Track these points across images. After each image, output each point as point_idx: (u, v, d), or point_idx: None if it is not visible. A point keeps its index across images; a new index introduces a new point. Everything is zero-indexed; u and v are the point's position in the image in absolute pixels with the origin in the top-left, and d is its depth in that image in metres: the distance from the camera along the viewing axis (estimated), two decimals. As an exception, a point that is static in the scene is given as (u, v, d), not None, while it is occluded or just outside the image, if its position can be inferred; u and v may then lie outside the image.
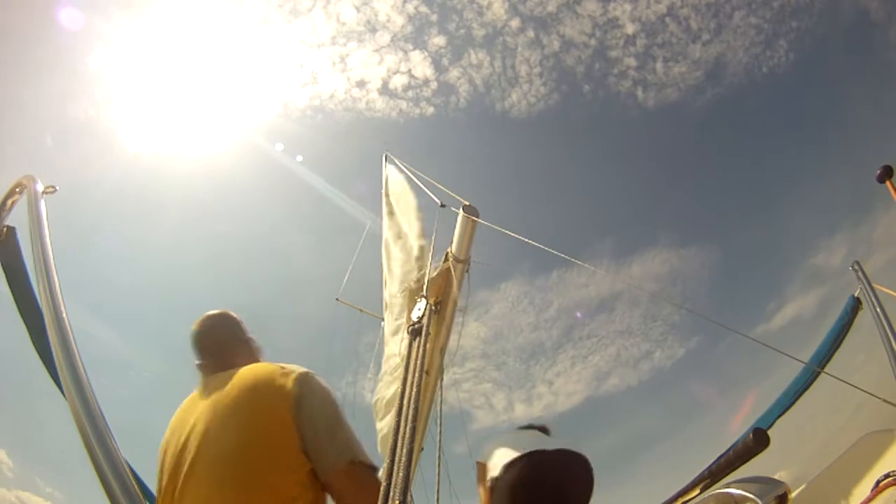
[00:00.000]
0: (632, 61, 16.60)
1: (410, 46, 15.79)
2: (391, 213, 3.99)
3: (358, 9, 15.21)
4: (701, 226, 20.42)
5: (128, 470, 1.30)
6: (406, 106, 15.93)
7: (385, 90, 15.86)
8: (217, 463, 1.12)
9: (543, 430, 2.84)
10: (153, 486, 2.02)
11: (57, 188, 2.23)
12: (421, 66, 15.79)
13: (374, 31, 15.28)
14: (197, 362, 1.44)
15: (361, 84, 15.81)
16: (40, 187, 2.18)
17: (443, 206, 3.25)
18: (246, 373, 1.27)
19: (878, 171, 3.57)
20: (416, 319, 0.85)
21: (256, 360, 1.42)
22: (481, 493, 2.51)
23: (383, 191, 4.52)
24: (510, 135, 18.54)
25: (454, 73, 16.41)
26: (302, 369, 1.26)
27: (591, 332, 17.62)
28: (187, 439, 1.20)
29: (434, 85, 16.17)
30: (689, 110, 17.57)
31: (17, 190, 2.29)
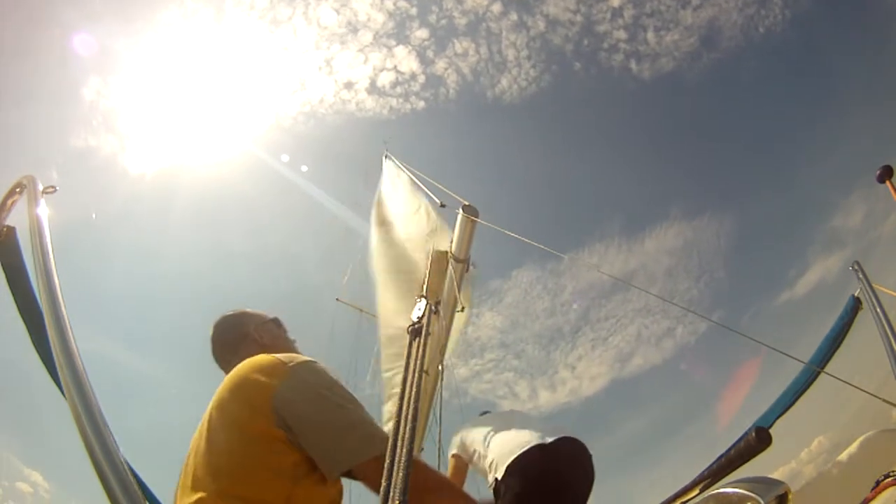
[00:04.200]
0: (621, 34, 16.49)
1: (394, 42, 15.78)
2: (386, 239, 3.88)
3: (337, 11, 15.24)
4: (712, 194, 20.15)
5: (128, 470, 1.31)
6: (396, 102, 15.93)
7: (373, 89, 15.87)
8: (204, 461, 1.14)
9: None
10: (154, 487, 2.03)
11: (57, 188, 2.23)
12: (406, 60, 15.80)
13: (355, 31, 15.30)
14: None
15: (349, 85, 15.83)
16: (40, 187, 2.18)
17: (443, 205, 3.24)
18: (240, 366, 1.27)
19: (878, 172, 3.56)
20: (415, 319, 0.85)
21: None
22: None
23: (375, 203, 4.47)
24: (505, 121, 18.45)
25: (441, 65, 16.39)
26: (300, 359, 1.23)
27: (608, 313, 17.44)
28: (193, 442, 1.23)
29: (422, 79, 16.17)
30: (687, 78, 17.38)
31: (17, 190, 2.30)
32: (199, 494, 1.07)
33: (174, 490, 1.22)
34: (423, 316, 0.85)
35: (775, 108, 18.25)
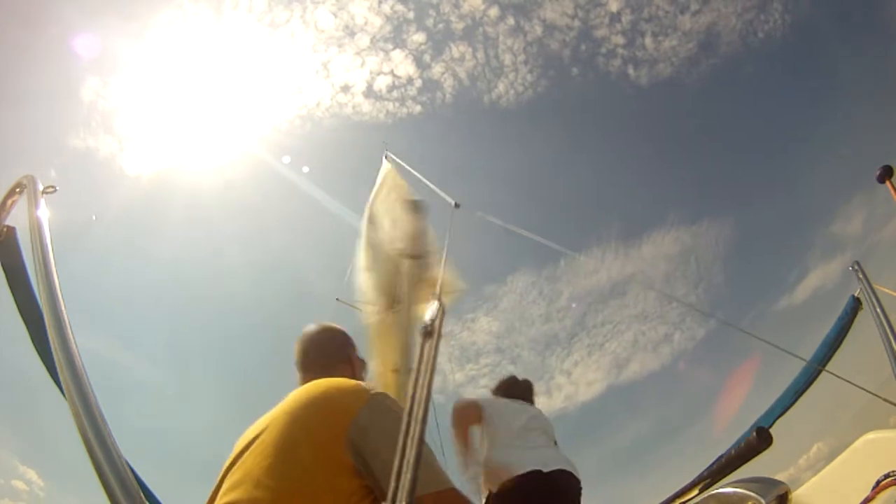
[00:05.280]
0: (619, 39, 16.40)
1: (391, 46, 15.75)
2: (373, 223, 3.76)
3: (335, 14, 15.23)
4: (710, 200, 19.97)
5: (128, 470, 1.31)
6: (393, 106, 15.90)
7: (370, 92, 15.83)
8: (265, 464, 1.13)
9: (528, 388, 2.90)
10: (154, 487, 2.02)
11: (57, 188, 2.22)
12: (403, 64, 15.78)
13: (352, 34, 15.27)
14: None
15: (346, 89, 15.79)
16: (40, 187, 2.18)
17: (457, 206, 3.21)
18: (321, 382, 1.27)
19: (878, 172, 3.57)
20: (428, 321, 0.85)
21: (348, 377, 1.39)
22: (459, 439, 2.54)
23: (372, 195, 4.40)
24: (501, 126, 18.35)
25: (437, 69, 16.35)
26: (379, 389, 1.24)
27: (605, 318, 17.28)
28: (250, 438, 1.22)
29: (418, 83, 16.13)
30: (686, 84, 17.27)
31: (17, 190, 2.29)
32: (259, 493, 1.07)
33: (218, 479, 1.21)
34: (435, 318, 0.86)
35: (774, 114, 18.20)
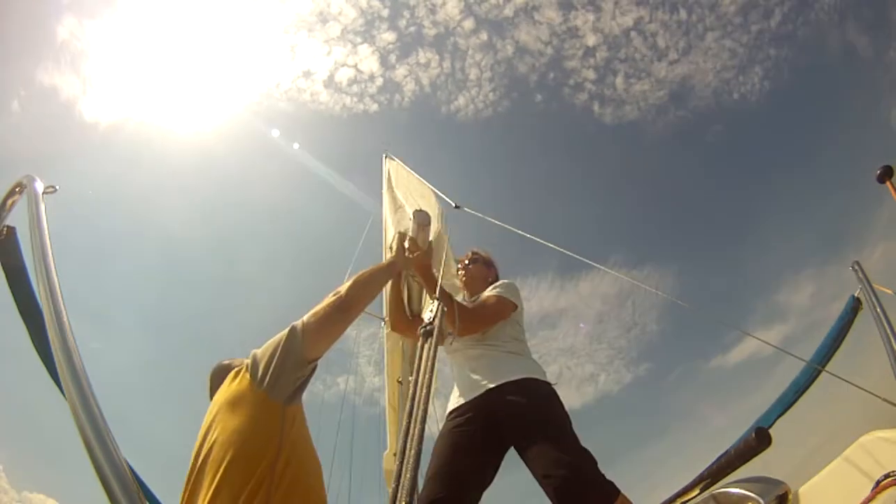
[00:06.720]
0: (590, 73, 16.22)
1: (359, 40, 15.62)
2: (399, 207, 3.78)
3: None
4: (655, 248, 19.65)
5: (128, 470, 1.31)
6: (350, 101, 15.77)
7: (331, 83, 15.72)
8: (201, 454, 1.30)
9: None
10: (154, 487, 2.03)
11: (57, 188, 2.22)
12: (368, 60, 15.66)
13: (325, 21, 15.17)
14: None
15: (308, 74, 15.66)
16: (40, 187, 2.18)
17: (457, 206, 3.17)
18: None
19: (878, 172, 3.56)
20: (428, 321, 0.85)
21: None
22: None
23: (384, 188, 4.41)
24: (454, 139, 18.13)
25: (401, 71, 16.22)
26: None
27: (532, 348, 16.96)
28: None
29: (379, 81, 16.03)
30: (649, 130, 17.08)
31: (17, 190, 2.30)
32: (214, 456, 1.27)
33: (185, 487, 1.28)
34: (434, 317, 0.85)
35: (733, 176, 18.01)
